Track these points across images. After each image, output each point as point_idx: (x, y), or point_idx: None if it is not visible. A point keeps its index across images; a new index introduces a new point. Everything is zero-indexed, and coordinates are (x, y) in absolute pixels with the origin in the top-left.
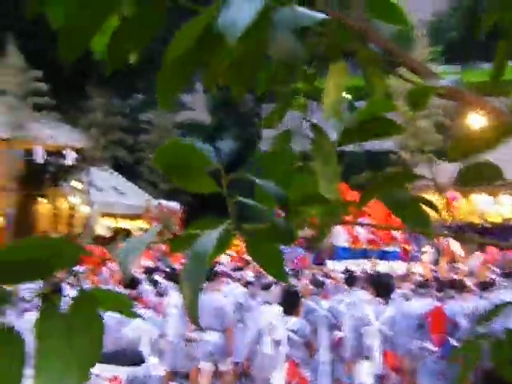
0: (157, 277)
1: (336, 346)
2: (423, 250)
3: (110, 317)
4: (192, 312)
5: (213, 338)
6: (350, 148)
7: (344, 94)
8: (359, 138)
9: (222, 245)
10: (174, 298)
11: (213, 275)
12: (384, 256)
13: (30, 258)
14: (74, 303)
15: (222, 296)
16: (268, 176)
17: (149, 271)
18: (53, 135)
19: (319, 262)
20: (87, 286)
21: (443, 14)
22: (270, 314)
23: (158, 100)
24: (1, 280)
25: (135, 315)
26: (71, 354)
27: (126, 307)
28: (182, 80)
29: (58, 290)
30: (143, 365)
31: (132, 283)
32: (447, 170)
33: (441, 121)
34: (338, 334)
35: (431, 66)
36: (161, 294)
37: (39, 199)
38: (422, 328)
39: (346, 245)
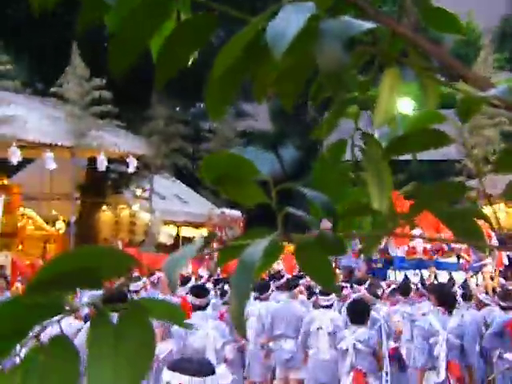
0: (226, 287)
1: (392, 355)
2: (485, 261)
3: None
4: (239, 322)
5: (289, 345)
6: (411, 157)
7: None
8: (407, 149)
9: (272, 256)
10: (252, 307)
11: (293, 285)
12: (441, 266)
13: (81, 267)
14: (123, 312)
15: (299, 304)
16: (320, 186)
17: (217, 281)
18: (115, 143)
19: (371, 272)
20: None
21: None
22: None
23: (209, 111)
24: (53, 289)
25: (189, 326)
26: (121, 362)
27: (178, 317)
28: (230, 90)
29: (122, 298)
30: (213, 375)
31: (201, 293)
32: (497, 181)
33: (507, 130)
34: (391, 344)
35: (495, 73)
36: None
37: (101, 207)
38: (502, 337)
39: (403, 255)
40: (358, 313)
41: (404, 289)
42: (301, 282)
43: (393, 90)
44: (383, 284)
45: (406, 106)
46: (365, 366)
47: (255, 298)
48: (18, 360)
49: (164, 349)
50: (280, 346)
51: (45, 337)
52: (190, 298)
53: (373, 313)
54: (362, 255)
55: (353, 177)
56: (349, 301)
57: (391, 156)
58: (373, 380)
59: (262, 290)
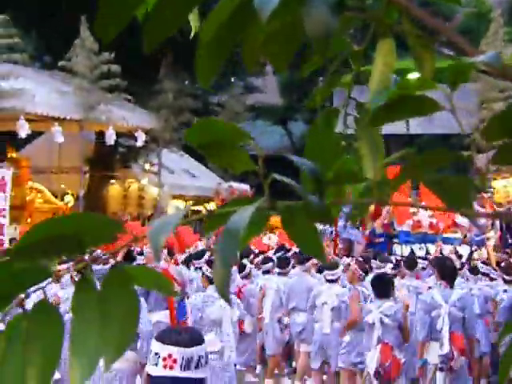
0: (245, 260)
1: None
2: (488, 235)
3: (195, 296)
4: (222, 289)
5: (301, 319)
6: (420, 131)
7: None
8: (393, 117)
9: (258, 224)
10: (271, 282)
11: (305, 259)
12: (446, 241)
13: (66, 234)
14: (107, 279)
15: (311, 277)
16: (312, 155)
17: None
18: (124, 117)
19: (371, 246)
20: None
21: None
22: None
23: (198, 77)
24: (37, 255)
25: (176, 294)
26: (105, 328)
27: (164, 285)
28: (220, 56)
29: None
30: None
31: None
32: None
33: None
34: None
35: (506, 46)
36: (246, 278)
37: (110, 181)
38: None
39: (408, 229)
40: (383, 287)
41: (410, 263)
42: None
43: (387, 61)
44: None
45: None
46: (391, 339)
47: (278, 274)
48: (1, 326)
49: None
50: (293, 320)
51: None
52: (207, 271)
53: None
54: (362, 228)
55: (345, 146)
56: (372, 276)
57: (378, 124)
58: (398, 353)
59: (283, 264)
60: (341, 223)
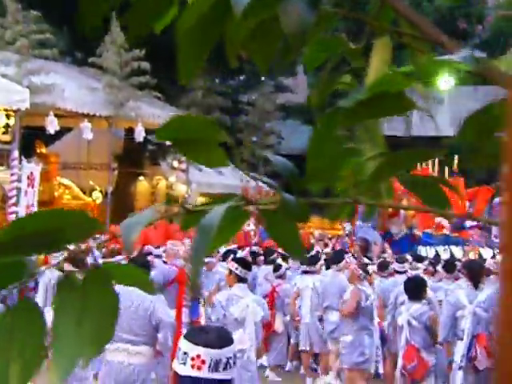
0: (279, 260)
1: None
2: None
3: (220, 295)
4: (194, 283)
5: (334, 317)
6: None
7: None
8: (368, 115)
9: (236, 222)
10: (306, 281)
11: (340, 258)
12: (466, 243)
13: (43, 229)
14: (87, 277)
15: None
16: (315, 156)
17: (268, 253)
18: (153, 114)
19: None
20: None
21: None
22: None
23: (179, 71)
24: (14, 251)
25: (153, 290)
26: (85, 327)
27: (143, 282)
28: (201, 50)
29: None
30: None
31: (247, 265)
32: None
33: None
34: None
35: None
36: (281, 277)
37: (138, 178)
38: None
39: (430, 231)
40: (415, 290)
41: (449, 266)
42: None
43: (384, 59)
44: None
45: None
46: (418, 341)
47: (304, 272)
48: None
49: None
50: (327, 318)
51: None
52: (236, 269)
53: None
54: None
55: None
56: (406, 278)
57: (353, 122)
58: (426, 355)
59: (312, 262)
60: (359, 223)
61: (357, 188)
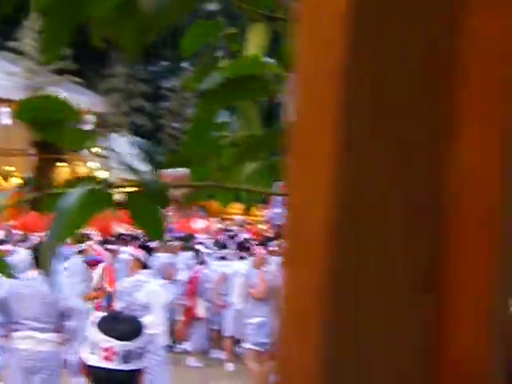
0: (198, 246)
1: None
2: None
3: (125, 281)
4: (45, 265)
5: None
6: None
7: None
8: (224, 100)
9: (98, 203)
10: (238, 267)
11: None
12: None
13: None
14: None
15: None
16: (193, 144)
17: (186, 238)
18: (73, 99)
19: None
20: None
21: None
22: None
23: (42, 52)
24: None
25: (13, 276)
26: None
27: (2, 268)
28: (62, 32)
29: None
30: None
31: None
32: None
33: None
34: None
35: None
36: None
37: (58, 164)
38: None
39: None
40: None
41: None
42: None
43: (259, 43)
44: None
45: None
46: None
47: (221, 258)
48: None
49: None
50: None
51: None
52: (141, 255)
53: None
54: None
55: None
56: None
57: (220, 104)
58: None
59: (221, 247)
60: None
61: (220, 172)
